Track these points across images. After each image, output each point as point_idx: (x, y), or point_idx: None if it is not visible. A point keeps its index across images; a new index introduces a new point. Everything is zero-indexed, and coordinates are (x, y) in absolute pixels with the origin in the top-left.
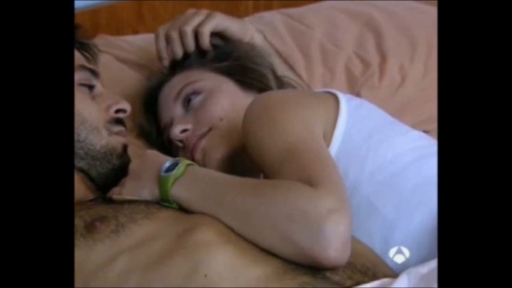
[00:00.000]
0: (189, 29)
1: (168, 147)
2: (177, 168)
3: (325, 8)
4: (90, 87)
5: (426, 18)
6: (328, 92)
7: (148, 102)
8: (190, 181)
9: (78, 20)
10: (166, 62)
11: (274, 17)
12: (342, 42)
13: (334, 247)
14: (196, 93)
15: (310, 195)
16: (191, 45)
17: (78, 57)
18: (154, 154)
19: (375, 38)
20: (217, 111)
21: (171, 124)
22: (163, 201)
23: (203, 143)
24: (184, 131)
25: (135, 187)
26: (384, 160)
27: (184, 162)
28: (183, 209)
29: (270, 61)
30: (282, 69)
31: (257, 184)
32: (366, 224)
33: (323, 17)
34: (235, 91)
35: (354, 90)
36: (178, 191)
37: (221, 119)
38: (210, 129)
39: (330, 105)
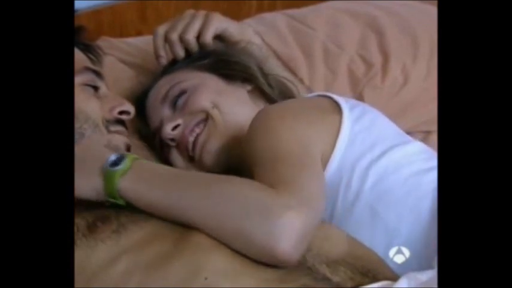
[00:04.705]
0: (190, 36)
1: (160, 151)
2: (123, 162)
3: (327, 8)
4: (95, 88)
5: (428, 18)
6: (331, 98)
7: (139, 107)
8: (137, 175)
9: (81, 20)
10: (163, 61)
11: (276, 17)
12: (344, 43)
13: (286, 242)
14: (182, 93)
15: (267, 191)
16: (195, 50)
17: (83, 59)
18: (96, 140)
19: (377, 39)
20: (203, 100)
21: (161, 126)
22: (110, 197)
23: (201, 138)
24: (175, 127)
25: (77, 181)
26: (385, 171)
27: (130, 157)
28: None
29: (257, 58)
30: (279, 71)
31: (210, 177)
32: (368, 231)
33: (325, 17)
34: (219, 83)
35: (357, 91)
36: (125, 185)
37: (213, 107)
38: (206, 118)
39: (332, 115)
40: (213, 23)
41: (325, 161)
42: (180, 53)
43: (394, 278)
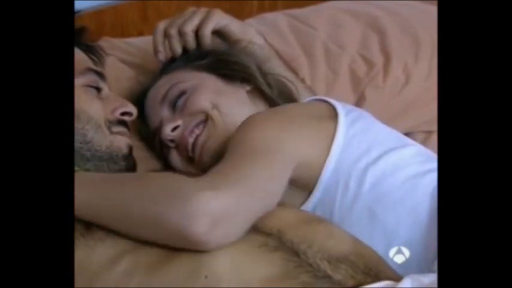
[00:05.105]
0: (189, 29)
1: (159, 151)
2: None
3: (328, 8)
4: (98, 89)
5: (429, 18)
6: (327, 102)
7: (138, 106)
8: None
9: (82, 20)
10: (161, 56)
11: (278, 17)
12: (345, 42)
13: (198, 222)
14: (182, 94)
15: (190, 178)
16: (192, 44)
17: (86, 60)
18: None
19: (378, 38)
20: (202, 101)
21: (160, 127)
22: None
23: (201, 139)
24: (175, 128)
25: None
26: (383, 173)
27: None
28: None
29: (258, 58)
30: (280, 70)
31: (138, 175)
32: (367, 232)
33: (326, 17)
34: (218, 84)
35: (358, 91)
36: None
37: (212, 108)
38: (205, 120)
39: (327, 120)
40: (213, 18)
41: (320, 165)
42: (178, 48)
43: (396, 278)
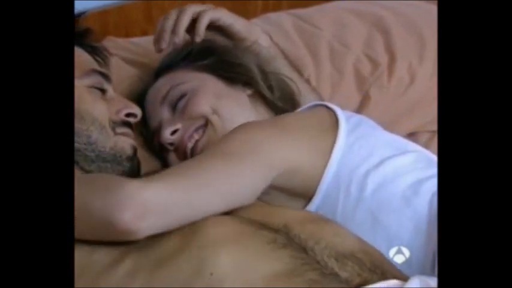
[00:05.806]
0: (189, 11)
1: (158, 152)
2: None
3: (333, 8)
4: (102, 91)
5: (434, 18)
6: (328, 107)
7: (138, 105)
8: None
9: (87, 21)
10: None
11: (282, 17)
12: (350, 42)
13: (127, 211)
14: (182, 96)
15: (122, 177)
16: (185, 23)
17: (90, 61)
18: None
19: (383, 38)
20: (203, 105)
21: (159, 128)
22: None
23: (200, 144)
24: (174, 132)
25: None
26: (384, 179)
27: None
28: None
29: (261, 58)
30: (285, 70)
31: (90, 176)
32: (370, 236)
33: (331, 17)
34: (219, 86)
35: (363, 90)
36: None
37: (213, 113)
38: (205, 124)
39: (328, 126)
40: (217, 12)
41: (319, 173)
42: (169, 25)
43: (402, 277)
